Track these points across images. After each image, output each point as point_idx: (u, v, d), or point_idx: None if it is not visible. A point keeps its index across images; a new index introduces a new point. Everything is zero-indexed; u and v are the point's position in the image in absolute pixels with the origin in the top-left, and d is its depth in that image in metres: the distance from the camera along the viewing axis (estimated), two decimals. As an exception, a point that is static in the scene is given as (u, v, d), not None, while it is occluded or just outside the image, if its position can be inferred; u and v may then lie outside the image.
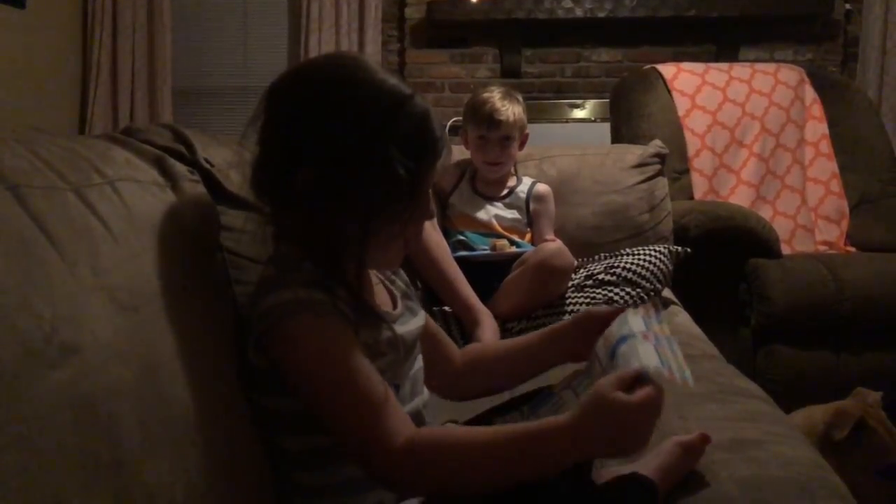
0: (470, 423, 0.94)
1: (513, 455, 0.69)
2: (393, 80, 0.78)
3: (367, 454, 0.70)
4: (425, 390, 0.88)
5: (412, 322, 0.87)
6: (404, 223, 0.79)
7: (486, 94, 1.77)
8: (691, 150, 2.57)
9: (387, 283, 0.90)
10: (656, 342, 0.77)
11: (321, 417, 0.72)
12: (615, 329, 0.81)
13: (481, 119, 1.75)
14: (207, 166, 0.85)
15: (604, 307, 0.94)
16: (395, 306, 0.87)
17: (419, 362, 0.88)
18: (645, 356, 0.73)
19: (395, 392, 0.80)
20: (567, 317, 1.58)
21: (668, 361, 0.75)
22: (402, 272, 0.93)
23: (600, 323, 0.86)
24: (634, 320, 0.80)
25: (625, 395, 0.68)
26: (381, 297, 0.86)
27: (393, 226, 0.78)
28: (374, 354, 0.76)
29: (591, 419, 0.68)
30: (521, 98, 1.80)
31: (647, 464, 0.94)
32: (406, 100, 0.77)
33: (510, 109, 1.74)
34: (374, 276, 0.87)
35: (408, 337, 0.84)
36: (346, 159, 0.75)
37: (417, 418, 0.82)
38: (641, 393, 0.68)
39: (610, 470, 0.96)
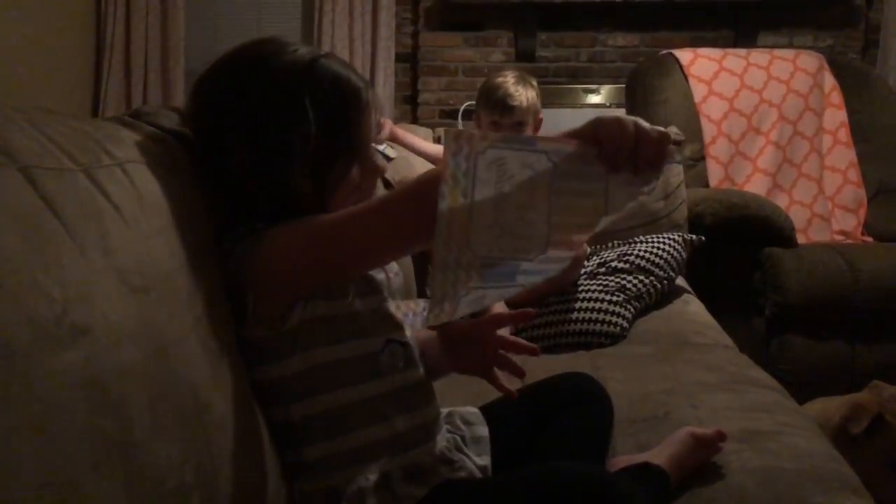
0: (484, 408, 0.94)
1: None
2: (304, 49, 0.81)
3: (380, 215, 0.71)
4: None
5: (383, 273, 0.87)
6: (350, 178, 0.80)
7: (499, 79, 1.75)
8: (707, 138, 2.54)
9: None
10: None
11: (338, 257, 0.74)
12: None
13: (494, 104, 1.73)
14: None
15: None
16: None
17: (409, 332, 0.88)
18: None
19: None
20: (579, 303, 1.57)
21: None
22: None
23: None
24: None
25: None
26: None
27: (339, 182, 0.79)
28: (359, 292, 0.78)
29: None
30: (535, 83, 1.78)
31: (660, 453, 0.94)
32: (315, 59, 0.79)
33: (523, 94, 1.72)
34: None
35: (392, 283, 0.84)
36: (268, 127, 0.77)
37: (418, 389, 0.82)
38: None
39: (622, 458, 0.96)
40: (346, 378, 0.77)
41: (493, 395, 0.97)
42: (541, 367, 1.21)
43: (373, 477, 0.76)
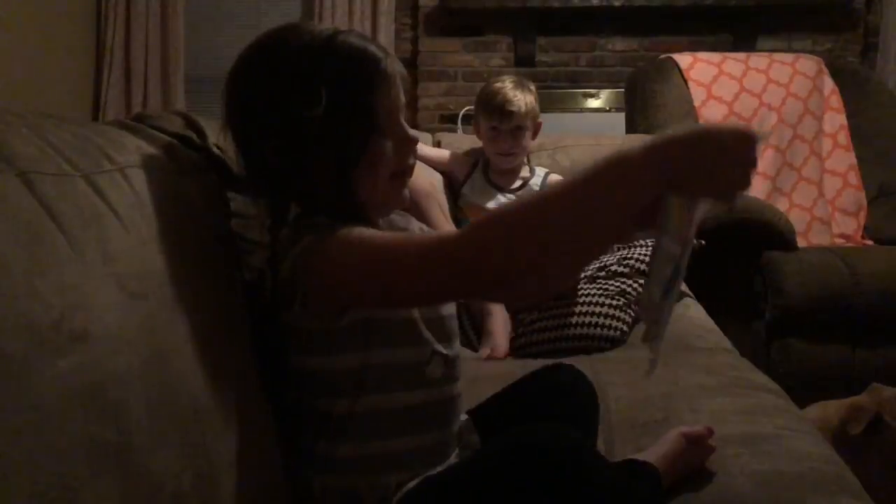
0: (472, 411, 0.94)
1: (580, 184, 0.62)
2: (321, 28, 0.79)
3: (442, 257, 0.66)
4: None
5: None
6: (376, 154, 0.78)
7: (497, 85, 1.76)
8: (707, 141, 2.54)
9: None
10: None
11: (389, 284, 0.70)
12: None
13: (493, 110, 1.73)
14: (218, 153, 0.85)
15: None
16: None
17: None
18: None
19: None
20: (579, 307, 1.57)
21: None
22: (411, 222, 0.92)
23: None
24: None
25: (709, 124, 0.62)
26: None
27: (367, 160, 0.77)
28: None
29: (670, 138, 0.62)
30: (533, 87, 1.79)
31: (652, 453, 0.94)
32: (332, 36, 0.77)
33: (522, 99, 1.73)
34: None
35: None
36: (288, 111, 0.75)
37: (452, 405, 0.82)
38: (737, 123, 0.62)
39: (614, 460, 0.96)
40: (395, 383, 0.77)
41: (482, 398, 0.97)
42: (541, 372, 1.20)
43: (392, 488, 0.76)
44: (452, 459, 0.82)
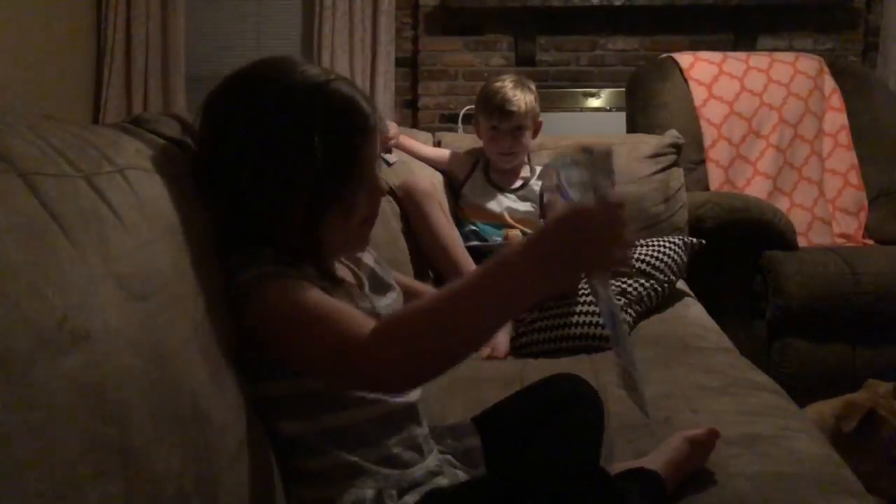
0: (477, 418, 0.94)
1: (472, 297, 0.67)
2: (314, 70, 0.80)
3: (347, 363, 0.69)
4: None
5: (382, 300, 0.88)
6: (350, 203, 0.80)
7: (497, 84, 1.76)
8: (707, 141, 2.54)
9: (352, 266, 0.91)
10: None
11: (299, 361, 0.74)
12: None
13: (493, 109, 1.73)
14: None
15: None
16: (361, 288, 0.88)
17: None
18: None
19: None
20: (579, 307, 1.57)
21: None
22: (366, 253, 0.93)
23: None
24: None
25: (575, 204, 0.66)
26: (347, 278, 0.88)
27: (340, 207, 0.79)
28: None
29: (541, 235, 0.66)
30: (533, 87, 1.79)
31: (655, 459, 0.94)
32: (323, 85, 0.79)
33: (522, 99, 1.73)
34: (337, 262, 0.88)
35: (381, 312, 0.85)
36: (273, 150, 0.77)
37: (407, 413, 0.83)
38: (591, 201, 0.65)
39: (618, 465, 0.96)
40: (349, 397, 0.78)
41: (487, 404, 0.97)
42: (541, 372, 1.21)
43: (370, 492, 0.77)
44: (430, 461, 0.83)
